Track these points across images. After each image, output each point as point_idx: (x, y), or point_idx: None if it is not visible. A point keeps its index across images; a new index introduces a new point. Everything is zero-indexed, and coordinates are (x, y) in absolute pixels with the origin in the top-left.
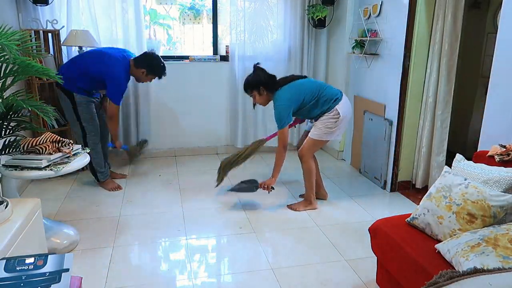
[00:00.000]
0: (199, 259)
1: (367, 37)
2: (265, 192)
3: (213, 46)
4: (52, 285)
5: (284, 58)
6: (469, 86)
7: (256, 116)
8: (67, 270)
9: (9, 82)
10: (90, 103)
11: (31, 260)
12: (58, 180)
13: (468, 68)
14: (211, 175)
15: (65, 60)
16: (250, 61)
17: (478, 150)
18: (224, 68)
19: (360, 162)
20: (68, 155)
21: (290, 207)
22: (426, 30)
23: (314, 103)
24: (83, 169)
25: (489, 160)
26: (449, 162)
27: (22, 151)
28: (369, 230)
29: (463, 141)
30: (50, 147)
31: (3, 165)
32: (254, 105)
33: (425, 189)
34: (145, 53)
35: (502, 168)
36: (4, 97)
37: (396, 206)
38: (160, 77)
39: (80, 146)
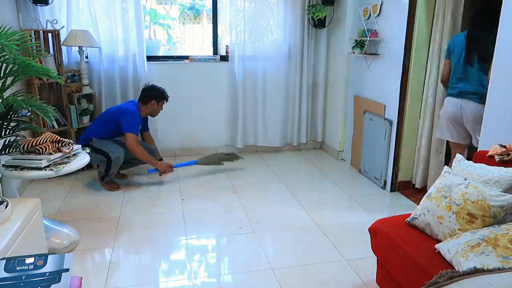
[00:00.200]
0: (199, 259)
1: (367, 37)
2: (266, 191)
3: (213, 46)
4: (52, 285)
5: (284, 58)
6: None
7: (256, 116)
8: (67, 270)
9: (9, 82)
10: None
11: (31, 260)
12: (58, 180)
13: None
14: (211, 175)
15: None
16: (250, 61)
17: (478, 150)
18: (224, 68)
19: (360, 162)
20: (68, 155)
21: None
22: (426, 30)
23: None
24: (83, 169)
25: (489, 160)
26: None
27: (22, 151)
28: (369, 230)
29: None
30: (50, 147)
31: (3, 165)
32: None
33: (425, 189)
34: (144, 89)
35: (502, 168)
36: (4, 97)
37: (396, 206)
38: (167, 100)
39: (80, 146)
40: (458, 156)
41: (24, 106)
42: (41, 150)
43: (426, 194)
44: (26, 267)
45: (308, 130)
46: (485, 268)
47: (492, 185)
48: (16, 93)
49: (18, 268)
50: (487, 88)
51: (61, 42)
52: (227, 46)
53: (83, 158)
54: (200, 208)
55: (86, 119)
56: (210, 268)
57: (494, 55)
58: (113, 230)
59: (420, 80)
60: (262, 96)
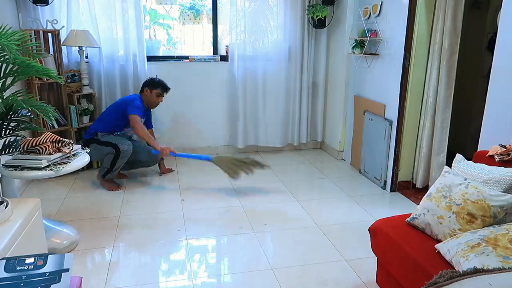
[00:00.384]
0: (199, 259)
1: (367, 37)
2: (266, 191)
3: (213, 46)
4: (52, 285)
5: (284, 58)
6: (469, 86)
7: (256, 116)
8: (67, 270)
9: (9, 82)
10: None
11: (31, 260)
12: (58, 180)
13: (468, 68)
14: (211, 175)
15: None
16: (250, 61)
17: (478, 150)
18: (224, 68)
19: (360, 162)
20: (68, 155)
21: None
22: (426, 30)
23: None
24: (83, 169)
25: (489, 160)
26: (449, 162)
27: (22, 151)
28: (369, 230)
29: (463, 141)
30: (50, 147)
31: (3, 165)
32: None
33: (425, 189)
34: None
35: (502, 168)
36: (4, 97)
37: (396, 206)
38: (164, 89)
39: (80, 146)
40: (458, 156)
41: (24, 106)
42: (41, 150)
43: (426, 194)
44: (26, 267)
45: (308, 130)
46: (485, 268)
47: (492, 185)
48: (16, 93)
49: (18, 268)
50: None
51: (61, 42)
52: (227, 46)
53: (83, 158)
54: (200, 208)
55: (86, 119)
56: (210, 268)
57: (494, 55)
58: (113, 230)
59: (420, 80)
60: (262, 96)
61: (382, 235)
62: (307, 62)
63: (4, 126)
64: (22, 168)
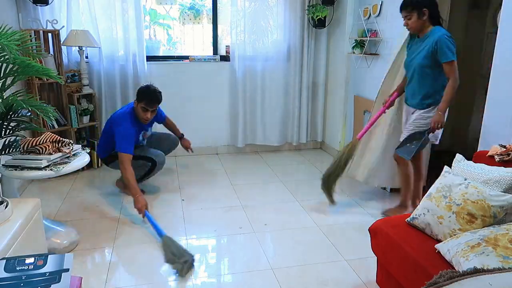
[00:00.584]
0: (199, 259)
1: (367, 37)
2: (266, 191)
3: (213, 46)
4: (52, 285)
5: (284, 58)
6: (469, 86)
7: (256, 116)
8: (67, 270)
9: (9, 82)
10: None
11: (31, 260)
12: (58, 180)
13: (468, 68)
14: (211, 175)
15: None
16: (250, 61)
17: (478, 150)
18: (224, 68)
19: None
20: (68, 155)
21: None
22: None
23: (438, 73)
24: (83, 169)
25: (489, 160)
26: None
27: (22, 151)
28: (369, 230)
29: (463, 141)
30: (50, 147)
31: (3, 165)
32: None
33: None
34: None
35: (502, 168)
36: (4, 97)
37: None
38: (149, 104)
39: (79, 146)
40: (458, 156)
41: (24, 106)
42: (41, 150)
43: (426, 194)
44: (26, 267)
45: (308, 130)
46: (485, 268)
47: (492, 185)
48: (16, 93)
49: (18, 268)
50: None
51: (61, 42)
52: (227, 46)
53: (83, 158)
54: (200, 208)
55: (86, 119)
56: (210, 268)
57: (494, 55)
58: (113, 230)
59: None
60: (262, 96)
61: (382, 235)
62: (307, 62)
63: (4, 126)
64: (22, 168)
